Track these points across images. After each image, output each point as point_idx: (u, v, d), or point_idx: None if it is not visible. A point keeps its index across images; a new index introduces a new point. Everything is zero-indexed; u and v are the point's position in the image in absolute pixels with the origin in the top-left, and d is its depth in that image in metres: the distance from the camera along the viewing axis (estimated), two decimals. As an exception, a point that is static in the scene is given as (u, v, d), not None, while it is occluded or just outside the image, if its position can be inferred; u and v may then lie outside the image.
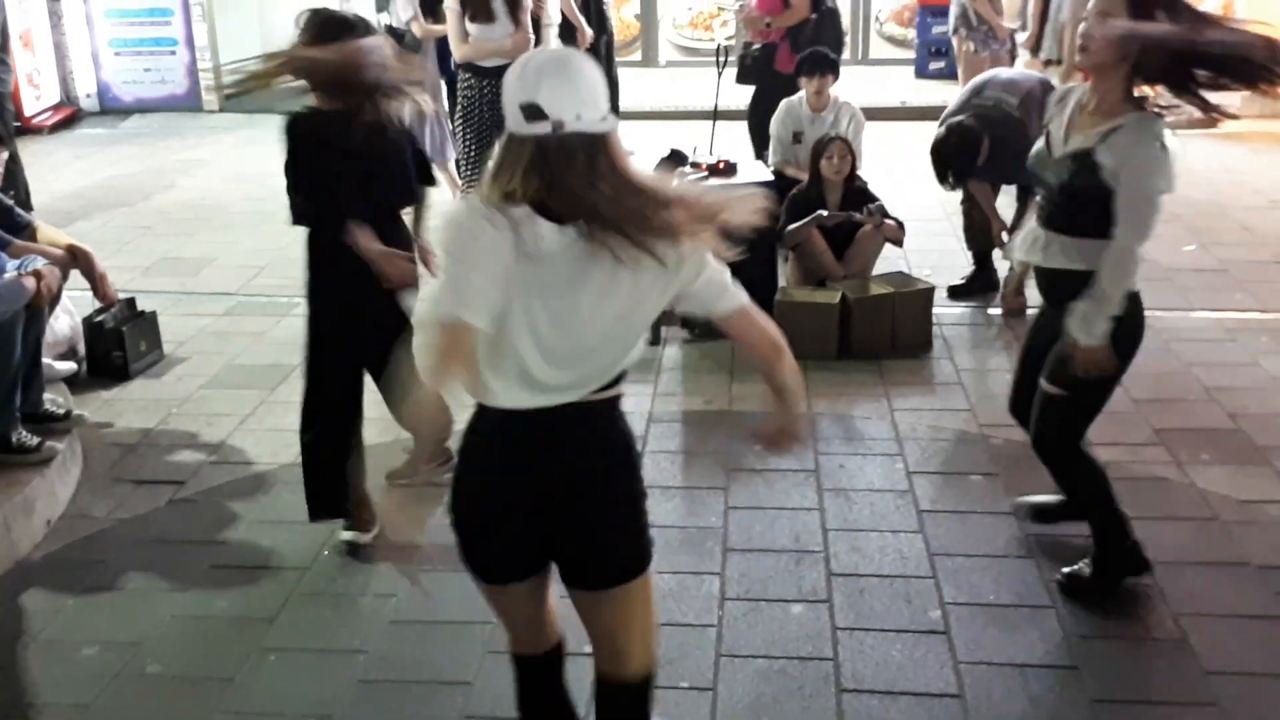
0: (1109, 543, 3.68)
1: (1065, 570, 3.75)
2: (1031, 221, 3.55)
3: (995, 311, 6.18)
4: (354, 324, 3.81)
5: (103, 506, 4.42)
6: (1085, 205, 3.32)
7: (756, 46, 7.73)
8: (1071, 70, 7.90)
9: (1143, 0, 3.19)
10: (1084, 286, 3.33)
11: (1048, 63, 8.17)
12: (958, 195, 6.30)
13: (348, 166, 3.68)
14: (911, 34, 12.60)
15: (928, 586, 3.80)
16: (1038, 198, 3.60)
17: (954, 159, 5.82)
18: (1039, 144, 3.52)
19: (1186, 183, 8.38)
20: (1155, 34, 3.14)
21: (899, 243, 6.22)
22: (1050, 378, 3.53)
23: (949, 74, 11.90)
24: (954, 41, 9.23)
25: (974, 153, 5.79)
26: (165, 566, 4.02)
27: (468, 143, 6.58)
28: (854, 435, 4.88)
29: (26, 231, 4.88)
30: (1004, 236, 6.05)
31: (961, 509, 4.24)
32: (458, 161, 7.05)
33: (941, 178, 5.99)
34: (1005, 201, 6.35)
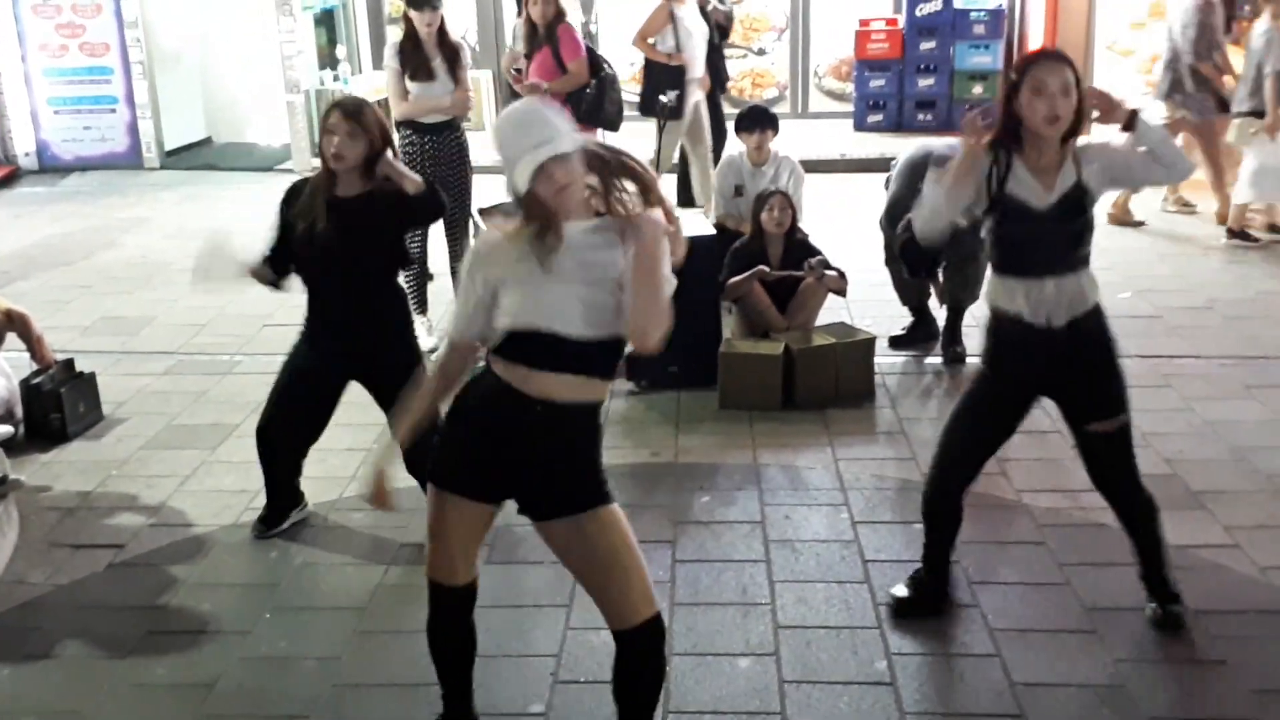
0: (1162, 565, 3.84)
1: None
2: (1045, 287, 3.55)
3: (935, 360, 6.26)
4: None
5: (40, 572, 4.34)
6: (1083, 236, 3.58)
7: None
8: (1278, 121, 7.90)
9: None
10: (1100, 318, 3.67)
11: (1250, 114, 8.11)
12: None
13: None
14: (850, 88, 12.78)
15: (874, 637, 3.81)
16: (1007, 257, 3.62)
17: (922, 257, 5.90)
18: (1008, 215, 3.54)
19: (1120, 231, 8.55)
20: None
21: (842, 292, 6.30)
22: (1110, 414, 3.67)
23: (886, 127, 12.14)
24: (1165, 108, 8.53)
25: (937, 247, 5.87)
26: (103, 633, 3.95)
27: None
28: (799, 485, 4.91)
29: (-39, 294, 4.83)
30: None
31: (906, 558, 4.26)
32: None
33: (913, 273, 6.10)
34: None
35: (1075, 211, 3.54)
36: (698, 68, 8.40)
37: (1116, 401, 3.69)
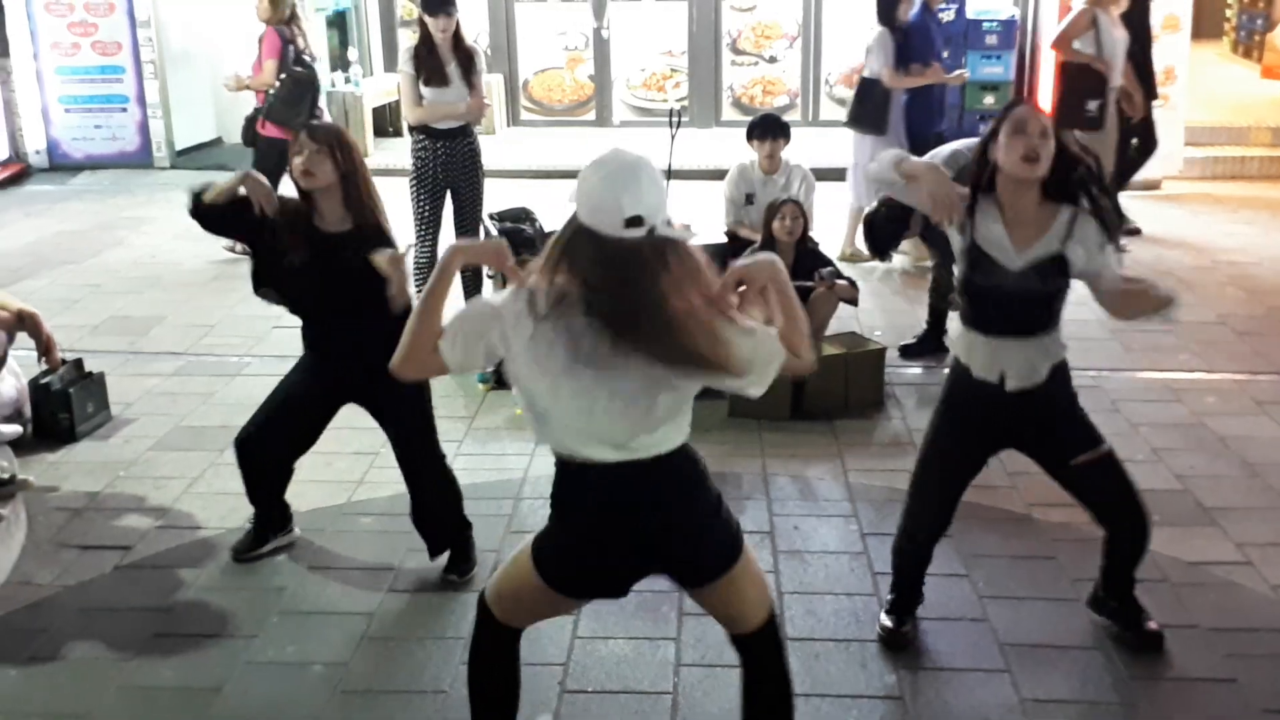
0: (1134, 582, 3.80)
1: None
2: (1004, 347, 3.49)
3: (947, 371, 6.23)
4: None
5: (47, 573, 4.33)
6: (1051, 302, 3.47)
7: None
8: None
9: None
10: (1063, 373, 3.53)
11: None
12: (911, 255, 6.35)
13: None
14: (861, 96, 12.79)
15: (883, 650, 3.79)
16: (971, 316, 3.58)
17: (882, 230, 5.91)
18: (976, 266, 3.47)
19: (1130, 241, 8.49)
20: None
21: (854, 302, 6.28)
22: (1092, 443, 3.57)
23: (898, 135, 12.11)
24: None
25: (902, 224, 5.86)
26: (110, 635, 3.94)
27: (420, 203, 6.58)
28: (808, 496, 4.89)
29: (-28, 294, 4.82)
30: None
31: (915, 571, 4.24)
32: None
33: (873, 249, 6.11)
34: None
35: (1046, 276, 3.40)
36: (1118, 75, 8.16)
37: (1088, 439, 3.58)
